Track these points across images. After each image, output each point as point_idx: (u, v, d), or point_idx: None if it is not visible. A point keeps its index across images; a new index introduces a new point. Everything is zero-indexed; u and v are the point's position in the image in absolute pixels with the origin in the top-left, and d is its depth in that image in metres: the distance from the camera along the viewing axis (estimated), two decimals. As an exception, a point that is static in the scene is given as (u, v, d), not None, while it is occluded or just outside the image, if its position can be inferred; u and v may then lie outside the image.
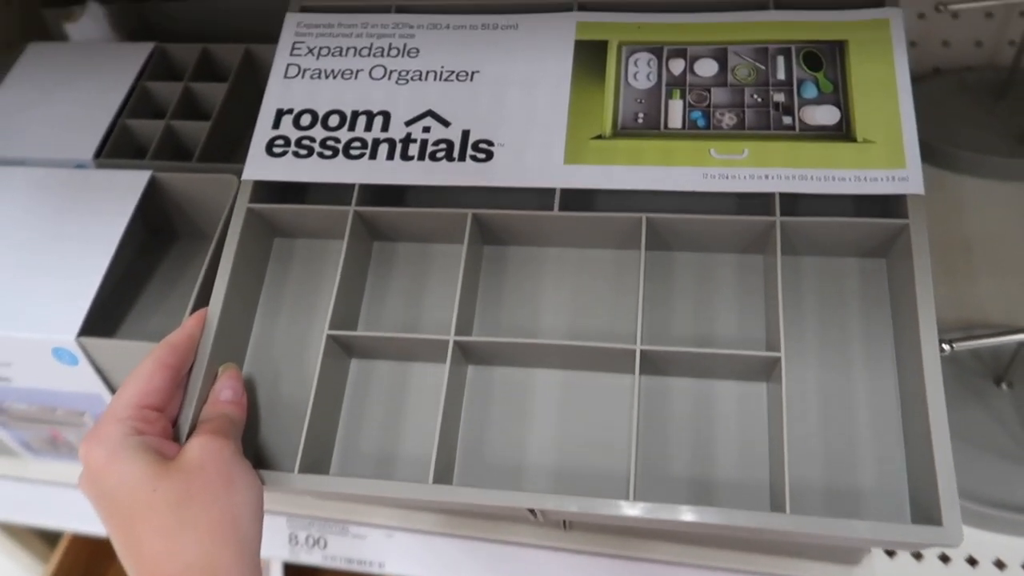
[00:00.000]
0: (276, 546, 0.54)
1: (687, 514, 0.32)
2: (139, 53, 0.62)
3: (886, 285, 0.41)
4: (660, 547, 0.48)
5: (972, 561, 0.45)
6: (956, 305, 0.57)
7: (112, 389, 0.47)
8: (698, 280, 0.42)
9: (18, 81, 0.61)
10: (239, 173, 0.50)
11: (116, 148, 0.56)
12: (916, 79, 0.77)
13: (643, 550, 0.48)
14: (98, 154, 0.56)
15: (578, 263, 0.44)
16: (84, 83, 0.60)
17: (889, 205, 0.41)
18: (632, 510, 0.33)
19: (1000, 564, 0.45)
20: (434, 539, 0.52)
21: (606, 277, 0.43)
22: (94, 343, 0.44)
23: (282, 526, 0.54)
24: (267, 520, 0.37)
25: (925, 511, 0.33)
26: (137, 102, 0.59)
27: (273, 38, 0.64)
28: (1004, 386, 0.51)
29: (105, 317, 0.49)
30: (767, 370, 0.38)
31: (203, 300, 0.43)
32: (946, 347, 0.37)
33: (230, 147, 0.61)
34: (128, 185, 0.50)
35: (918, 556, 0.45)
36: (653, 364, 0.39)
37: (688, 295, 0.42)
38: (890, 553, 0.45)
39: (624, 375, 0.40)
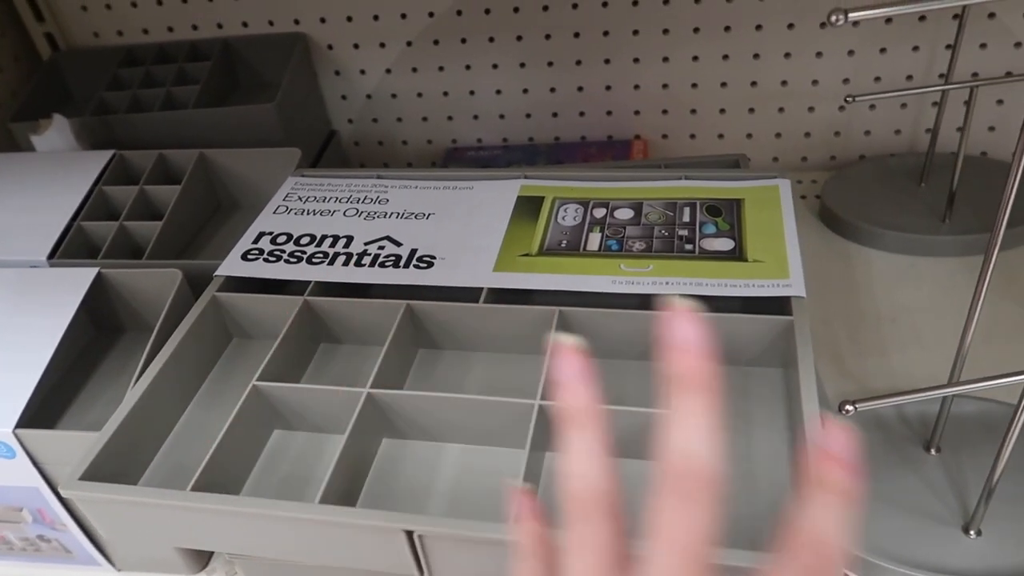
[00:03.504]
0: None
1: None
2: (98, 160, 0.66)
3: (781, 386, 0.43)
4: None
5: (908, 627, 0.45)
6: (885, 375, 0.59)
7: (50, 483, 0.47)
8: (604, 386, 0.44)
9: (-20, 189, 0.64)
10: (184, 269, 0.52)
11: (70, 249, 0.59)
12: (842, 166, 0.82)
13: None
14: (52, 255, 0.58)
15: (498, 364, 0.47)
16: (44, 189, 0.63)
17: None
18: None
19: (936, 629, 0.45)
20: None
21: (520, 378, 0.45)
22: (31, 435, 0.44)
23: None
24: None
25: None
26: (94, 205, 0.62)
27: (226, 145, 0.68)
28: (933, 451, 0.52)
29: (46, 410, 0.50)
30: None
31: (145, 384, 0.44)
32: (849, 407, 0.39)
33: (182, 247, 0.63)
34: (75, 282, 0.52)
35: (854, 624, 0.45)
36: (553, 430, 0.39)
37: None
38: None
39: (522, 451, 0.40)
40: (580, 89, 0.82)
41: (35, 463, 0.46)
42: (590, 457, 0.24)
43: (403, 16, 0.79)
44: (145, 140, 0.74)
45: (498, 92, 0.83)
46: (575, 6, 0.76)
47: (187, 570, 0.52)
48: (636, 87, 0.80)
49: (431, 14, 0.78)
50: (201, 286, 0.52)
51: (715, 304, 0.44)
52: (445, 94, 0.84)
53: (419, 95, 0.85)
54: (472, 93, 0.84)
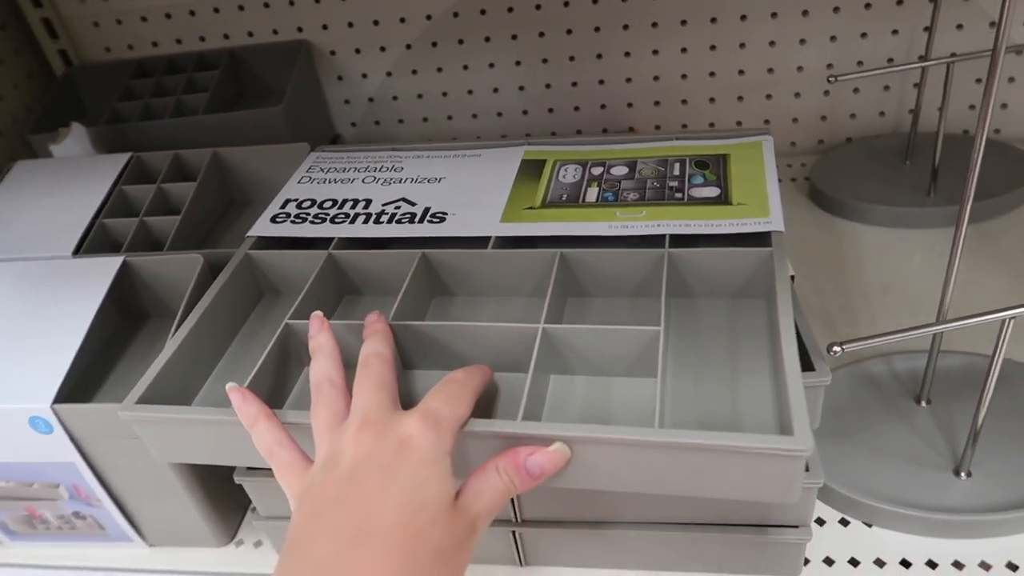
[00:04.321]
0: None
1: (573, 431, 0.36)
2: (117, 162, 0.69)
3: (765, 314, 0.46)
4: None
5: (905, 563, 0.47)
6: (876, 337, 0.61)
7: (86, 458, 0.50)
8: (603, 321, 0.47)
9: (5, 192, 0.67)
10: (205, 256, 0.55)
11: (94, 245, 0.61)
12: (830, 148, 0.85)
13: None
14: (77, 251, 0.61)
15: (506, 306, 0.50)
16: (66, 191, 0.66)
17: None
18: (522, 428, 0.36)
19: (932, 564, 0.47)
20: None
21: (526, 316, 0.48)
22: (68, 409, 0.47)
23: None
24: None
25: (786, 431, 0.36)
26: (114, 204, 0.65)
27: (236, 144, 0.71)
28: (924, 403, 0.54)
29: (79, 391, 0.52)
30: (651, 352, 0.42)
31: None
32: (837, 348, 0.41)
33: (199, 240, 0.66)
34: (102, 270, 0.54)
35: (854, 563, 0.47)
36: (554, 354, 0.43)
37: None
38: (829, 562, 0.48)
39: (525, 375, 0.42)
40: (574, 84, 0.85)
41: (72, 438, 0.48)
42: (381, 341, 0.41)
43: (402, 20, 0.83)
44: (158, 146, 0.76)
45: (495, 90, 0.86)
46: (567, 4, 0.79)
47: (216, 542, 0.55)
48: (628, 80, 0.84)
49: (429, 17, 0.82)
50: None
51: (703, 243, 0.48)
52: (444, 94, 0.88)
53: (419, 96, 0.88)
54: (470, 92, 0.87)
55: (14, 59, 0.88)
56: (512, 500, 0.46)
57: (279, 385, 0.45)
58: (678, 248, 0.46)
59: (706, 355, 0.44)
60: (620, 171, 0.55)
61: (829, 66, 0.80)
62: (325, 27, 0.84)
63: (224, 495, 0.54)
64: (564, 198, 0.53)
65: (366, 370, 0.39)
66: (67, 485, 0.52)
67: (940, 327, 0.43)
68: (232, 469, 0.49)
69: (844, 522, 0.50)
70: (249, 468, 0.49)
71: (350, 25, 0.84)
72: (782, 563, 0.46)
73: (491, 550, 0.50)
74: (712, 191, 0.51)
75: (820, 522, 0.50)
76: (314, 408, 0.39)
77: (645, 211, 0.50)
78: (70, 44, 0.89)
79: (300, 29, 0.85)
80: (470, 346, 0.43)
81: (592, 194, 0.53)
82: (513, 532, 0.48)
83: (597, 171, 0.55)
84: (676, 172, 0.53)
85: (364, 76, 0.88)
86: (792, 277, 0.45)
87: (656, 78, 0.83)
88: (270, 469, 0.48)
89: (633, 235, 0.48)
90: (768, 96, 0.83)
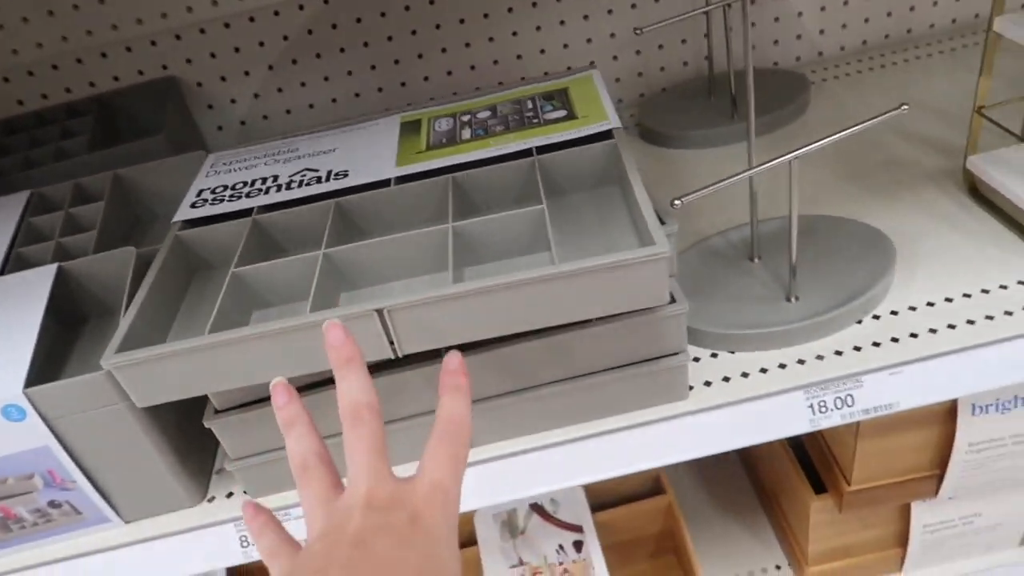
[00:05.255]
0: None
1: (496, 280, 0.46)
2: (17, 201, 0.73)
3: (620, 194, 0.59)
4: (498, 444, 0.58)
5: (763, 371, 0.60)
6: (708, 223, 0.75)
7: (59, 438, 0.54)
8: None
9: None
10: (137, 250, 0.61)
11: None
12: (650, 99, 1.00)
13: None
14: (-1, 280, 0.64)
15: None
16: (-28, 233, 0.70)
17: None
18: (455, 288, 0.46)
19: (783, 366, 0.60)
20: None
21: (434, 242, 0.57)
22: (41, 391, 0.52)
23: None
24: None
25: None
26: (26, 235, 0.69)
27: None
28: (756, 260, 0.68)
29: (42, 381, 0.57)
30: (541, 228, 0.53)
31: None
32: (677, 202, 0.54)
33: (116, 252, 0.71)
34: (39, 278, 0.59)
35: (727, 380, 0.59)
36: (464, 248, 0.53)
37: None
38: (708, 384, 0.59)
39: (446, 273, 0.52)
40: (426, 79, 0.96)
41: (45, 420, 0.53)
42: (362, 380, 0.39)
43: (261, 44, 0.91)
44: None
45: (357, 95, 0.96)
46: (407, 8, 0.90)
47: (190, 502, 0.60)
48: (472, 67, 0.96)
49: (286, 37, 0.91)
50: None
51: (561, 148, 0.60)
52: (311, 107, 0.96)
53: (288, 112, 0.96)
54: (334, 101, 0.96)
55: None
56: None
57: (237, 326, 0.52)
58: (545, 154, 0.58)
59: (582, 229, 0.55)
60: (484, 114, 0.66)
61: (636, 29, 0.95)
62: (189, 61, 0.91)
63: (193, 454, 0.60)
64: (444, 141, 0.63)
65: (359, 427, 0.37)
66: (41, 473, 0.56)
67: (751, 171, 0.57)
68: (200, 426, 0.55)
69: (714, 355, 0.62)
70: (217, 411, 0.55)
71: (212, 56, 0.91)
72: (672, 389, 0.58)
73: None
74: (561, 113, 0.63)
75: (696, 360, 0.62)
76: (302, 484, 0.37)
77: (512, 136, 0.61)
78: (-68, 116, 0.91)
79: (165, 67, 0.91)
80: (395, 260, 0.53)
81: (466, 134, 0.64)
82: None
83: (466, 118, 0.66)
84: (530, 106, 0.65)
85: (233, 102, 0.95)
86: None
87: (496, 62, 0.95)
88: (239, 408, 0.55)
89: (507, 153, 0.59)
90: (592, 63, 0.97)
